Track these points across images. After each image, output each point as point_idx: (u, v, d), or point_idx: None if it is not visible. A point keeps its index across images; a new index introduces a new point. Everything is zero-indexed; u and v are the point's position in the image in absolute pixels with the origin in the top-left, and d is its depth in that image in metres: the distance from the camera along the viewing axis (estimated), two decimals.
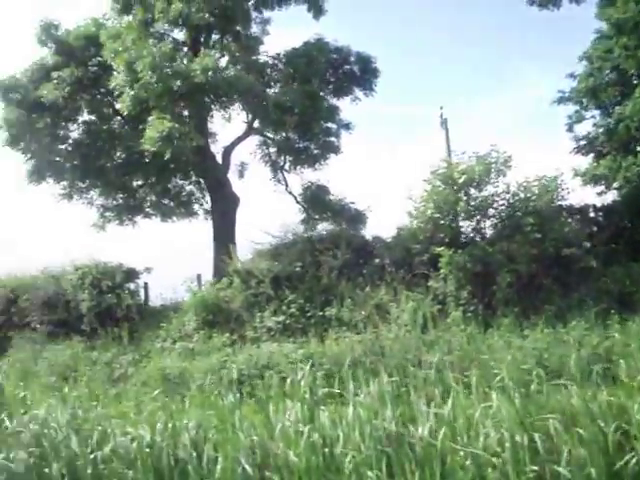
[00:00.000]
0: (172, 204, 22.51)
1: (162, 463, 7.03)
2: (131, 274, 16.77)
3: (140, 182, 22.09)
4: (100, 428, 7.67)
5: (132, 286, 16.88)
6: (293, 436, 6.86)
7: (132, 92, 17.57)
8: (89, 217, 22.13)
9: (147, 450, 7.05)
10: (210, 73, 16.65)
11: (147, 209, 22.39)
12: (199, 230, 22.95)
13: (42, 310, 16.55)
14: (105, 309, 15.79)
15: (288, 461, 6.70)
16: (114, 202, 22.08)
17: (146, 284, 17.28)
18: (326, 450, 6.80)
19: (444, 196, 14.38)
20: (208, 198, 22.14)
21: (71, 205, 21.82)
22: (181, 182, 22.61)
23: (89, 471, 6.95)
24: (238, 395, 9.46)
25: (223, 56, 18.87)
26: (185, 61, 17.83)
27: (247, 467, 6.64)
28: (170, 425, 7.55)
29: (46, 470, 7.15)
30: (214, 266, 19.53)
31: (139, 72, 17.10)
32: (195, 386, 11.98)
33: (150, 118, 17.21)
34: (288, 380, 9.14)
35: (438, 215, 14.56)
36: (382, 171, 47.83)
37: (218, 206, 20.88)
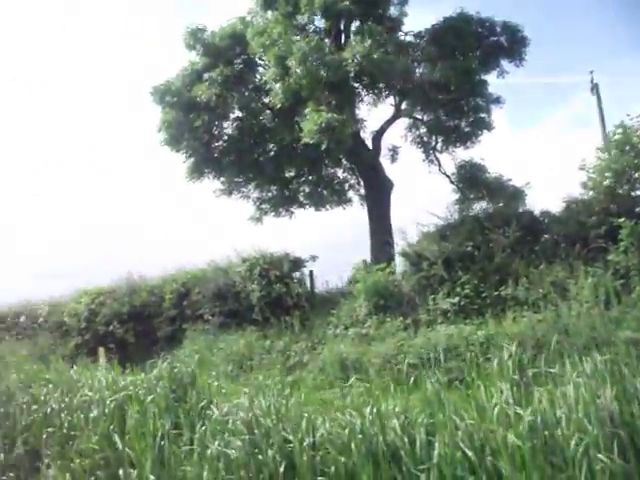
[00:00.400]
0: (325, 192, 22.58)
1: (374, 449, 6.95)
2: (297, 263, 16.99)
3: (293, 173, 22.35)
4: (306, 415, 7.68)
5: (298, 275, 17.08)
6: (512, 418, 6.57)
7: (283, 85, 17.80)
8: (246, 210, 22.71)
9: (360, 436, 6.97)
10: (360, 59, 16.59)
11: (301, 199, 22.60)
12: (353, 216, 23.00)
13: (213, 302, 17.09)
14: (275, 298, 16.07)
15: (507, 444, 6.43)
16: (269, 194, 22.47)
17: (311, 272, 17.44)
18: (546, 432, 6.49)
19: (622, 164, 13.57)
20: (361, 184, 22.10)
21: (228, 200, 22.42)
22: (333, 170, 22.66)
23: (304, 458, 6.96)
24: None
25: (365, 41, 18.63)
26: (332, 50, 17.84)
27: (467, 451, 6.44)
28: (375, 410, 7.44)
29: (260, 457, 7.25)
30: (372, 251, 19.52)
31: (289, 66, 17.29)
32: (374, 371, 11.93)
33: (306, 110, 17.26)
34: (484, 361, 8.92)
35: (615, 185, 13.77)
36: (528, 144, 46.34)
37: (372, 192, 20.80)
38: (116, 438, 8.95)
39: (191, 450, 8.02)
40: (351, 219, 23.42)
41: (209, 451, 7.52)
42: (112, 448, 9.36)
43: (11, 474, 11.34)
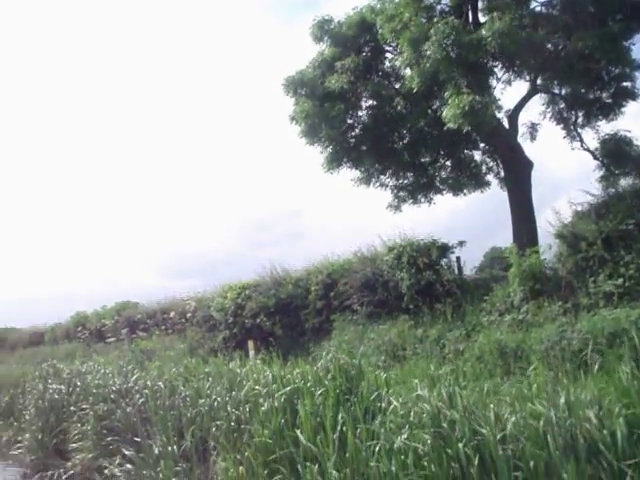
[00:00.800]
0: (463, 177, 22.13)
1: (572, 442, 6.62)
2: (445, 249, 16.60)
3: (428, 159, 22.05)
4: (492, 406, 7.43)
5: (445, 261, 16.71)
6: None
7: (418, 70, 17.45)
8: (383, 198, 22.62)
9: (556, 429, 6.65)
10: (498, 37, 16.00)
11: (438, 184, 22.26)
12: (491, 200, 22.47)
13: (361, 292, 16.96)
14: (424, 286, 15.72)
15: None
16: (406, 181, 22.24)
17: (458, 258, 17.00)
18: None
19: None
20: (500, 166, 21.51)
21: (365, 189, 22.40)
22: (471, 153, 22.20)
23: (500, 452, 6.71)
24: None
25: (503, 17, 17.93)
26: (466, 30, 17.33)
27: None
28: (563, 400, 7.10)
29: (448, 451, 7.07)
30: (514, 233, 18.95)
31: (425, 49, 16.93)
32: (536, 358, 11.49)
33: (445, 94, 16.84)
34: None
35: None
36: None
37: (512, 173, 20.15)
38: (298, 433, 8.94)
39: (369, 445, 7.93)
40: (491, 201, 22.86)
41: (395, 445, 7.38)
42: (286, 442, 9.45)
43: (183, 465, 11.72)
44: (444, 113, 16.53)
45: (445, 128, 17.24)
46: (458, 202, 23.07)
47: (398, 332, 15.16)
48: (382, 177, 22.06)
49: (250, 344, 17.92)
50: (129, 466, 12.74)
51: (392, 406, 8.46)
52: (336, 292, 17.91)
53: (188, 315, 22.56)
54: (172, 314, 23.42)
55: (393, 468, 7.22)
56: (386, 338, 15.17)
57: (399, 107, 21.54)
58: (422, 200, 22.24)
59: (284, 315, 19.11)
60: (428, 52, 16.76)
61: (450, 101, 16.17)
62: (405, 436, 7.40)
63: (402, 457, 7.26)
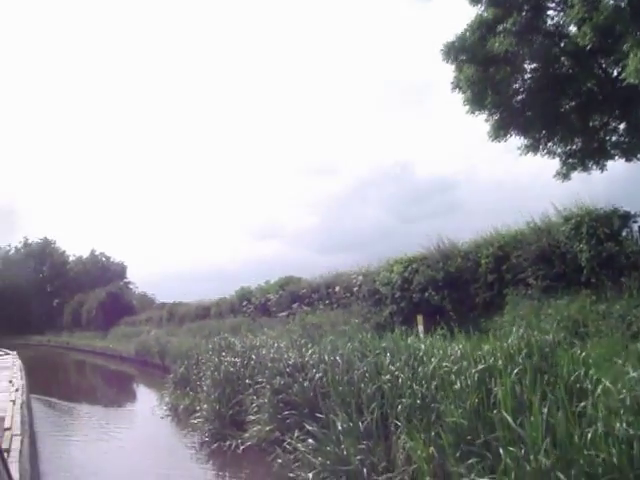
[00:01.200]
0: (638, 140, 20.63)
1: None
2: (627, 218, 15.50)
3: (598, 122, 20.75)
4: None
5: (626, 231, 15.59)
6: None
7: (591, 23, 16.29)
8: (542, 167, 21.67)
9: None
10: None
11: (609, 149, 20.90)
12: None
13: (536, 264, 16.15)
14: (606, 258, 14.71)
15: None
16: (575, 148, 21.06)
17: None
18: None
19: None
20: None
21: (519, 159, 21.49)
22: None
23: None
24: None
25: None
26: None
27: None
28: None
29: None
30: None
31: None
32: None
33: (624, 47, 15.59)
34: None
35: None
36: None
37: None
38: (504, 414, 8.51)
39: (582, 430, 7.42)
40: None
41: (616, 432, 6.85)
42: (482, 423, 9.12)
43: (367, 442, 11.63)
44: (624, 69, 15.38)
45: (619, 86, 16.10)
46: (613, 170, 21.63)
47: (579, 307, 14.31)
48: (550, 144, 21.00)
49: (419, 319, 17.64)
50: (311, 441, 12.81)
51: (600, 388, 7.92)
52: (508, 265, 17.13)
53: (354, 289, 22.47)
54: (337, 288, 23.49)
55: (614, 459, 6.68)
56: (565, 314, 14.34)
57: (564, 68, 20.37)
58: (593, 167, 20.99)
59: (453, 289, 18.59)
60: (603, 3, 15.64)
61: (631, 55, 14.98)
62: (624, 423, 6.85)
63: (622, 447, 6.72)
